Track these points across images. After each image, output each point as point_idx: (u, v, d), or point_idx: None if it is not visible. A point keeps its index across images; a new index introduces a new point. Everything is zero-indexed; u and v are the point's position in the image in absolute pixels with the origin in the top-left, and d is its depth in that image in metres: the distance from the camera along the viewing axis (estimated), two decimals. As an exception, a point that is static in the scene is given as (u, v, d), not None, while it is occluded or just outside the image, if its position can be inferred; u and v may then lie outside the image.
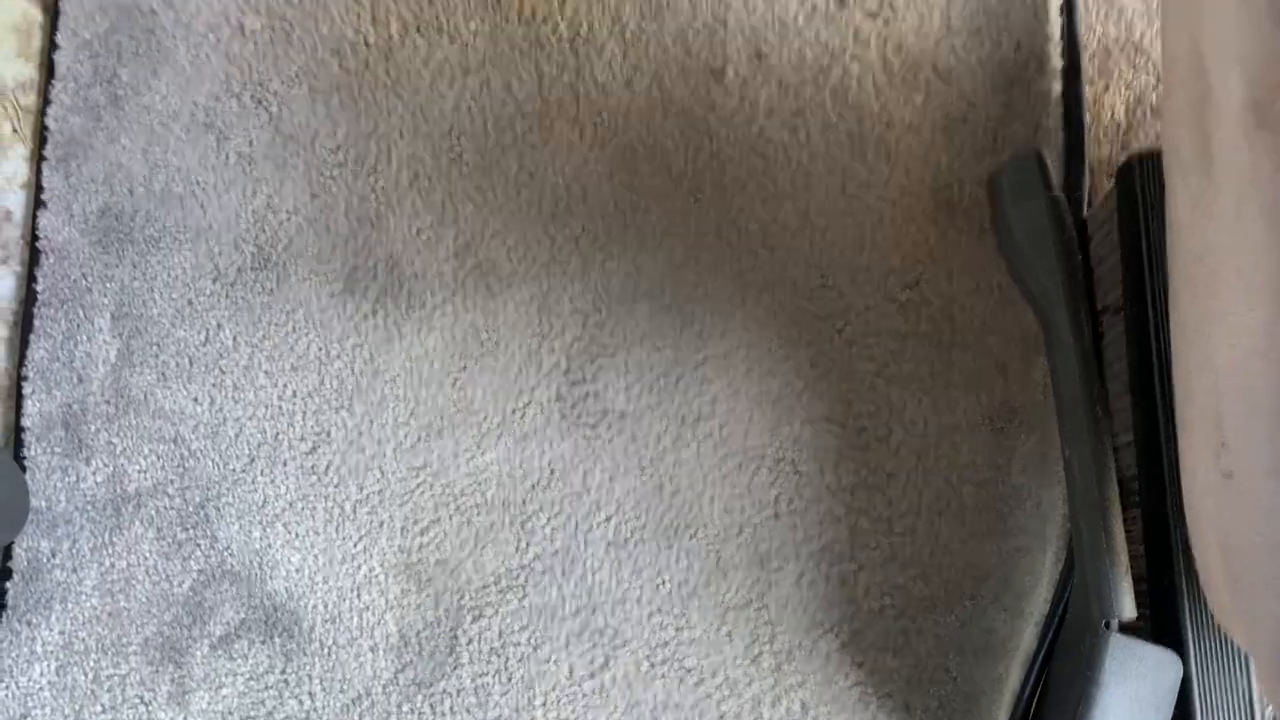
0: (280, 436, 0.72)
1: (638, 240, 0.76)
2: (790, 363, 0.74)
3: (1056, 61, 0.76)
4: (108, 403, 0.72)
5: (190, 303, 0.73)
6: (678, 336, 0.74)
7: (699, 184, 0.76)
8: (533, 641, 0.72)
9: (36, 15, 0.77)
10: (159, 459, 0.73)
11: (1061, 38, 0.76)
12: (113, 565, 0.73)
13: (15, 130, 0.76)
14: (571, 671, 0.71)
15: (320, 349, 0.73)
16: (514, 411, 0.73)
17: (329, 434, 0.73)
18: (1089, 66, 0.78)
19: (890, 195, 0.75)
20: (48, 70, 0.76)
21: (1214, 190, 0.39)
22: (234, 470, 0.73)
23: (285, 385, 0.73)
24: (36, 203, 0.74)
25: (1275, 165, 0.34)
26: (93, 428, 0.72)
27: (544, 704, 0.71)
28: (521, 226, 0.75)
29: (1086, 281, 0.67)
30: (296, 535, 0.73)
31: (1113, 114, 0.77)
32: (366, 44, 0.76)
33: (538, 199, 0.75)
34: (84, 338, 0.73)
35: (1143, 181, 0.61)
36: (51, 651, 0.73)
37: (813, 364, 0.74)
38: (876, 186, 0.75)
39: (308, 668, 0.72)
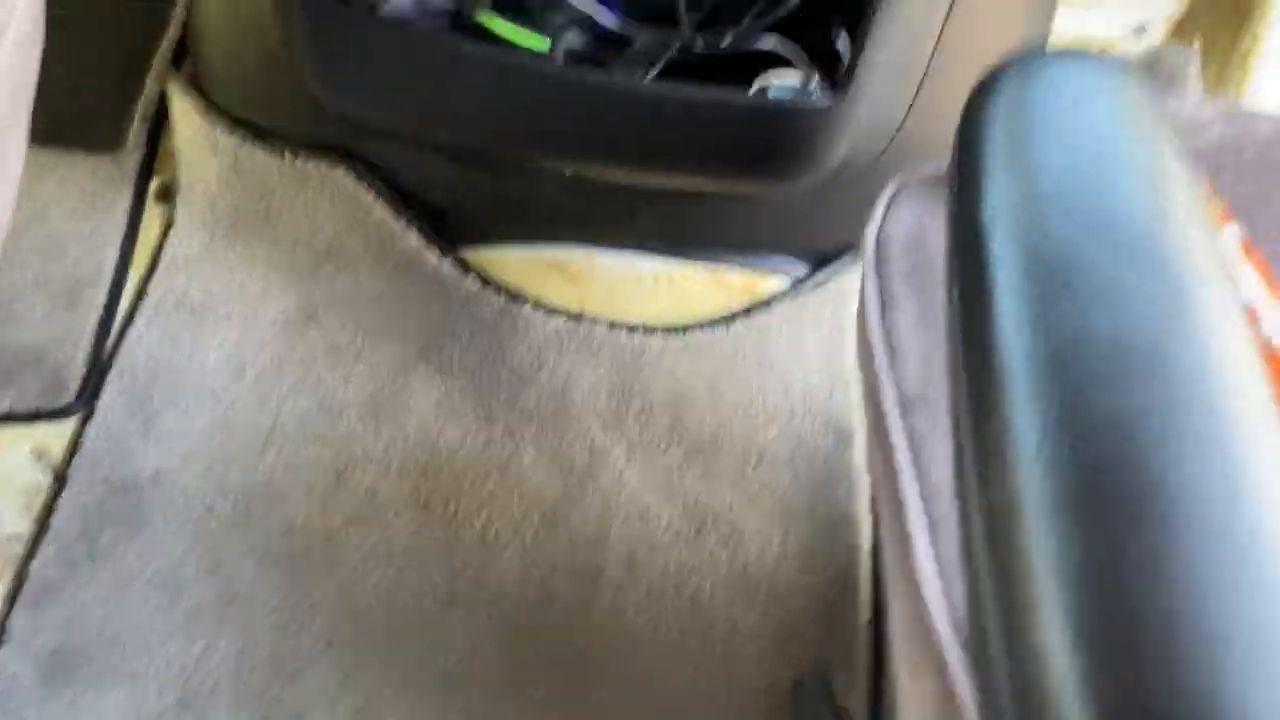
0: None
1: (519, 715, 0.88)
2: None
3: (866, 593, 0.94)
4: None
5: (110, 739, 0.83)
6: (539, 807, 0.84)
7: (573, 671, 0.90)
8: None
9: (45, 481, 0.94)
10: None
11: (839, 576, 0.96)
12: None
13: (-1, 574, 0.90)
14: None
15: (217, 792, 0.81)
16: None
17: None
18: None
19: (734, 695, 0.90)
20: (42, 525, 0.91)
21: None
22: None
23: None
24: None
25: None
26: None
27: None
28: (414, 696, 0.87)
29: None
30: None
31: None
32: (312, 529, 0.94)
33: (432, 672, 0.89)
34: (6, 764, 0.81)
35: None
36: None
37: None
38: (722, 683, 0.90)
39: None
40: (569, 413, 1.01)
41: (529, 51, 0.80)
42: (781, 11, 0.76)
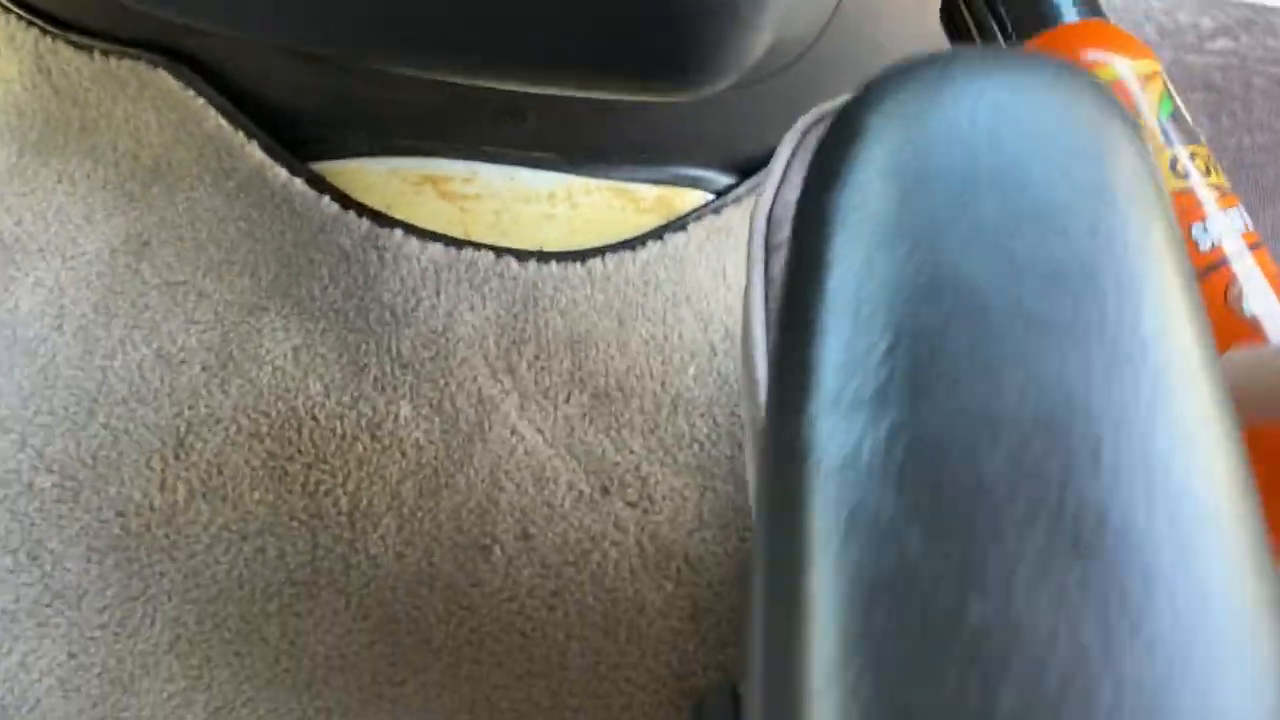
0: None
1: (390, 714, 0.77)
2: None
3: (791, 563, 0.83)
4: None
5: (-86, 768, 0.72)
6: (416, 822, 0.74)
7: (458, 659, 0.79)
8: None
9: None
10: None
11: (797, 540, 0.84)
12: None
13: None
14: None
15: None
16: None
17: None
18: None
19: (639, 679, 0.79)
20: None
21: None
22: None
23: None
24: None
25: None
26: None
27: None
28: (274, 695, 0.76)
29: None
30: None
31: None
32: (151, 507, 0.81)
33: (295, 667, 0.77)
34: None
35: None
36: None
37: None
38: (626, 669, 0.79)
39: None
40: (452, 358, 0.87)
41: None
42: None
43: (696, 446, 0.87)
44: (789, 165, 0.46)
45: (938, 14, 0.84)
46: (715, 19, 0.67)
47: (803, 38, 0.80)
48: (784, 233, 0.44)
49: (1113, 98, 0.20)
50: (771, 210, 0.45)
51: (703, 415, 0.88)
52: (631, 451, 0.86)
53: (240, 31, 0.78)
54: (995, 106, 0.18)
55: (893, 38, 0.85)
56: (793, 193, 0.46)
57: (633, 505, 0.84)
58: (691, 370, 0.89)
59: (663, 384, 0.89)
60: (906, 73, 0.20)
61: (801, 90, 0.86)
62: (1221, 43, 0.50)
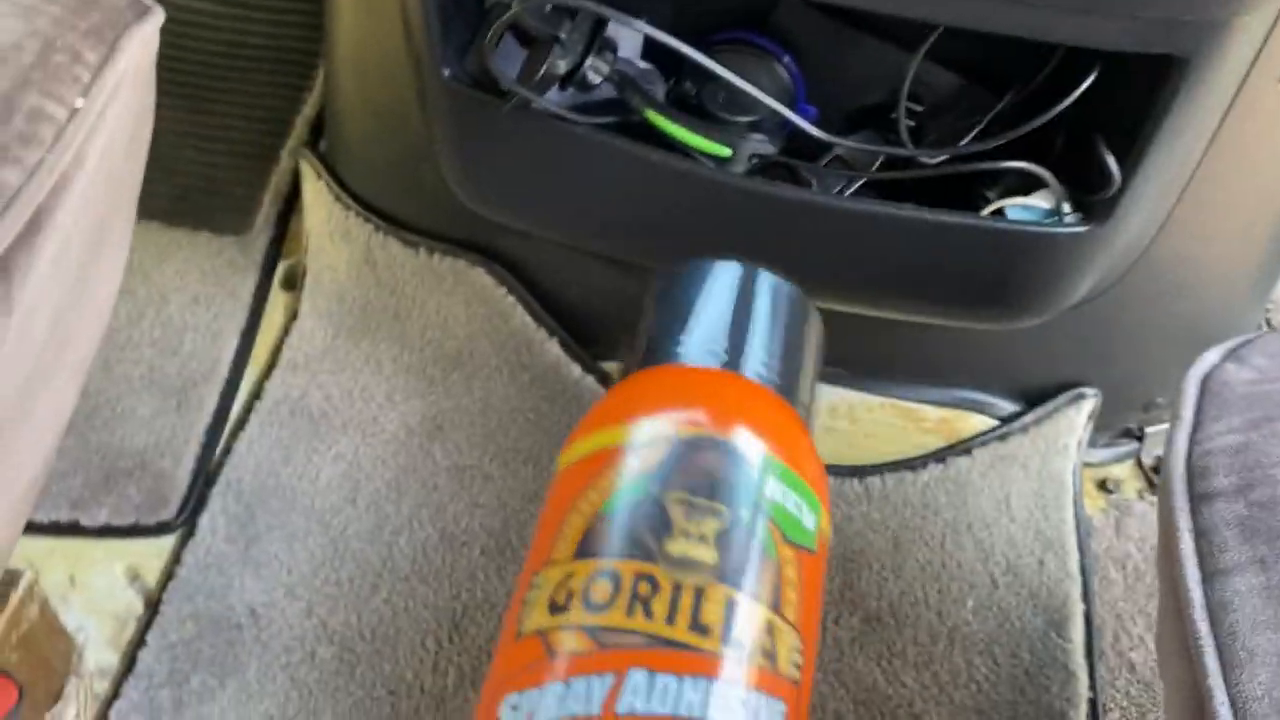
0: None
1: None
2: None
3: (1087, 832, 0.76)
4: None
5: None
6: None
7: None
8: None
9: (138, 608, 0.85)
10: None
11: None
12: None
13: (78, 717, 0.80)
14: None
15: None
16: None
17: None
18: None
19: None
20: (129, 663, 0.81)
21: None
22: None
23: None
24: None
25: None
26: None
27: None
28: None
29: None
30: None
31: None
32: (422, 689, 0.81)
33: None
34: None
35: None
36: None
37: None
38: None
39: None
40: (723, 566, 0.86)
41: (707, 157, 0.66)
42: (1025, 128, 0.60)
43: (974, 687, 0.82)
44: (1199, 411, 0.45)
45: (1242, 257, 0.83)
46: (1050, 263, 0.67)
47: (1106, 280, 0.79)
48: (1211, 482, 0.42)
49: None
50: (1190, 458, 0.43)
51: (981, 653, 0.83)
52: (904, 685, 0.82)
53: (565, 238, 0.83)
54: None
55: (1192, 283, 0.84)
56: (1211, 442, 0.44)
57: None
58: (970, 603, 0.85)
59: (939, 614, 0.85)
60: None
61: (1093, 327, 0.85)
62: None
